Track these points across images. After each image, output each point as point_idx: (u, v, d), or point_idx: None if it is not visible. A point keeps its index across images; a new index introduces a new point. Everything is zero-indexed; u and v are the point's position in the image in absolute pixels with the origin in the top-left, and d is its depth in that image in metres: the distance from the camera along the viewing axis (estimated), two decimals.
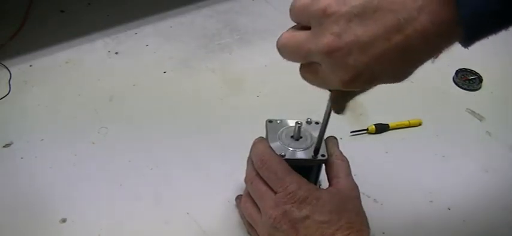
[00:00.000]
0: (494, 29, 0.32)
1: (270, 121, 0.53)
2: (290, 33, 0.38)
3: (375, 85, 0.37)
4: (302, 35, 0.37)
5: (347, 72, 0.35)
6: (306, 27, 0.37)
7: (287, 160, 0.49)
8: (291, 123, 0.52)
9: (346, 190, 0.48)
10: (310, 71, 0.39)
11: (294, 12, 0.38)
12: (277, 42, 0.39)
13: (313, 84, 0.40)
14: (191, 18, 0.91)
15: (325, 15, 0.34)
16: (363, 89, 0.43)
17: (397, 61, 0.34)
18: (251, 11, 0.95)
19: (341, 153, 0.51)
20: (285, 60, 0.40)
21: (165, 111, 0.71)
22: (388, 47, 0.33)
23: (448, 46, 0.34)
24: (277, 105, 0.73)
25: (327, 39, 0.34)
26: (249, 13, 0.94)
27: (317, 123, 0.52)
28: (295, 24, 0.39)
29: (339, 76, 0.35)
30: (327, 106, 0.46)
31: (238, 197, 0.56)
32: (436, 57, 0.36)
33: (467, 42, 0.33)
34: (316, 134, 0.50)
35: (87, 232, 0.54)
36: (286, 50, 0.39)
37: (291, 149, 0.50)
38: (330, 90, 0.43)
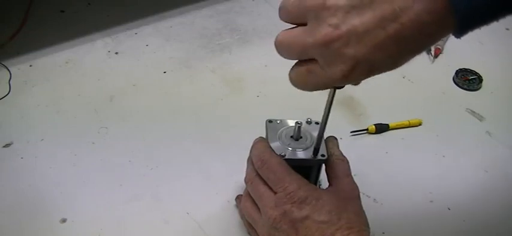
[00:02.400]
0: (487, 19, 0.33)
1: (270, 121, 0.53)
2: (287, 30, 0.39)
3: (373, 75, 0.37)
4: (299, 30, 0.38)
5: (345, 63, 0.35)
6: (301, 26, 0.37)
7: (287, 160, 0.49)
8: (291, 123, 0.52)
9: (346, 190, 0.48)
10: (303, 70, 0.39)
11: (285, 10, 0.38)
12: (275, 40, 0.40)
13: (304, 87, 0.40)
14: (191, 18, 0.91)
15: (324, 8, 0.35)
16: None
17: (393, 50, 0.34)
18: (251, 11, 0.95)
19: (341, 153, 0.51)
20: (285, 60, 0.40)
21: (165, 111, 0.71)
22: (385, 36, 0.34)
23: (442, 35, 0.35)
24: (277, 105, 0.73)
25: (325, 30, 0.35)
26: (249, 13, 0.94)
27: (317, 123, 0.52)
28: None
29: (337, 68, 0.36)
30: (326, 105, 0.46)
31: (238, 197, 0.56)
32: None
33: (460, 32, 0.33)
34: (316, 134, 0.50)
35: (87, 232, 0.54)
36: (283, 47, 0.39)
37: (291, 149, 0.50)
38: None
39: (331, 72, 0.36)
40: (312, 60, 0.38)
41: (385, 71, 0.37)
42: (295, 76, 0.40)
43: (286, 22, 0.39)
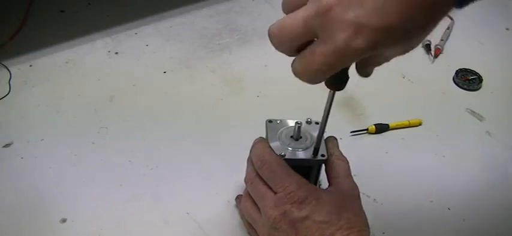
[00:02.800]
0: None
1: (270, 121, 0.53)
2: (282, 18, 0.38)
3: (379, 49, 0.36)
4: (298, 11, 0.37)
5: (347, 29, 0.34)
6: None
7: (287, 160, 0.49)
8: (291, 123, 0.52)
9: (346, 190, 0.48)
10: (306, 54, 0.38)
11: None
12: (270, 29, 0.39)
13: (311, 72, 0.38)
14: (191, 18, 0.91)
15: None
16: (375, 60, 0.42)
17: (395, 17, 0.33)
18: (251, 11, 0.95)
19: (341, 153, 0.51)
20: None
21: (165, 111, 0.71)
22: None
23: (445, 5, 0.34)
24: (277, 105, 0.73)
25: None
26: (249, 13, 0.94)
27: (317, 123, 0.52)
28: None
29: (340, 36, 0.34)
30: (326, 106, 0.46)
31: (238, 197, 0.56)
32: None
33: (461, 2, 0.33)
34: (316, 134, 0.50)
35: (87, 232, 0.54)
36: (283, 32, 0.38)
37: (291, 149, 0.50)
38: (327, 85, 0.43)
39: (334, 42, 0.35)
40: (311, 41, 0.37)
41: (394, 49, 0.36)
42: (299, 64, 0.39)
43: (287, 11, 0.38)
